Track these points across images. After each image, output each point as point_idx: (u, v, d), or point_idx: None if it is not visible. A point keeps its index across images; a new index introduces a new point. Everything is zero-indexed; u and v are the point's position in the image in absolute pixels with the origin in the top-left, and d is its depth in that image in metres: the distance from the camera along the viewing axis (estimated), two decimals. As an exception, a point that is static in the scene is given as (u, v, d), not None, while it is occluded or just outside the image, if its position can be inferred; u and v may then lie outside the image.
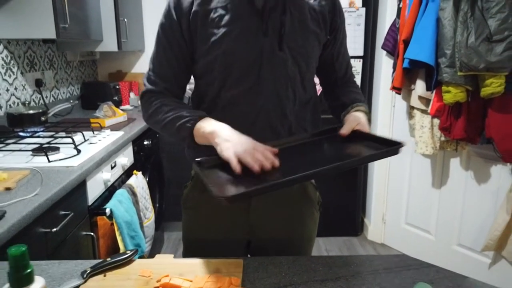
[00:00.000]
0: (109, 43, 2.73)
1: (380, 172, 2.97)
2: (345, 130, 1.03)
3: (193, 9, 1.00)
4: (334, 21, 1.10)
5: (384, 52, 2.74)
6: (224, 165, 0.89)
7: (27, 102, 2.24)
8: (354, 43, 2.81)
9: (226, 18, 0.99)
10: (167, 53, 1.06)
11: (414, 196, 2.75)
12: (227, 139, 0.92)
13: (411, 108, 2.53)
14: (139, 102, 3.21)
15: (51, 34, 2.01)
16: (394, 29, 2.58)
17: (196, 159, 0.96)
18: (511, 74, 1.90)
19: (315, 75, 1.20)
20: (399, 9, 2.50)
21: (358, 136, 1.02)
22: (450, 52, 2.00)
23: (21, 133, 1.94)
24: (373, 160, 1.07)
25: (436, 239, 2.64)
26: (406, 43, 2.27)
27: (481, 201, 2.34)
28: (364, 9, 2.78)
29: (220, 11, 0.99)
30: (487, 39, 1.89)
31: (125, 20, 2.82)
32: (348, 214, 3.13)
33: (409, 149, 2.68)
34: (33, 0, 1.97)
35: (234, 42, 0.99)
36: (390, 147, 0.93)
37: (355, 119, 1.04)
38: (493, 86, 1.91)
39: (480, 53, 1.89)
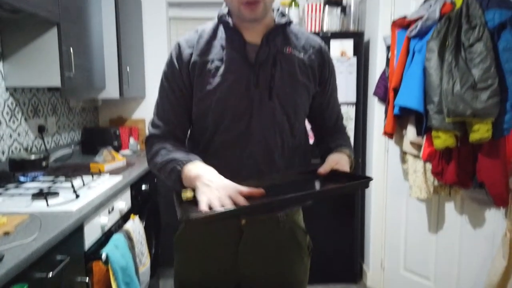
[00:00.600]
0: (111, 90, 2.83)
1: (376, 216, 2.98)
2: (322, 168, 1.09)
3: (192, 59, 1.10)
4: (323, 73, 1.18)
5: (376, 98, 2.84)
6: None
7: (29, 147, 2.30)
8: (347, 90, 2.92)
9: (221, 69, 1.07)
10: (170, 98, 1.15)
11: (412, 241, 2.75)
12: (207, 184, 0.96)
13: (403, 153, 2.59)
14: (139, 147, 3.28)
15: (56, 82, 2.11)
16: (384, 77, 2.70)
17: (176, 191, 1.02)
18: (497, 121, 1.98)
19: (308, 123, 1.29)
20: (387, 59, 2.63)
21: (337, 175, 1.07)
22: (438, 99, 2.08)
23: (22, 178, 1.98)
24: (342, 192, 1.13)
25: (435, 285, 2.60)
26: (396, 90, 2.36)
27: (477, 245, 2.34)
28: (355, 58, 2.92)
29: (216, 63, 1.08)
30: (472, 87, 1.98)
31: (128, 68, 2.95)
32: (346, 259, 3.10)
33: (404, 193, 2.71)
34: (41, 50, 2.08)
35: (227, 92, 1.07)
36: (358, 180, 1.02)
37: (333, 159, 1.11)
38: (481, 131, 1.98)
39: (466, 100, 1.97)
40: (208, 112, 1.10)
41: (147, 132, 3.78)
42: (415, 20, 2.33)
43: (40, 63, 2.10)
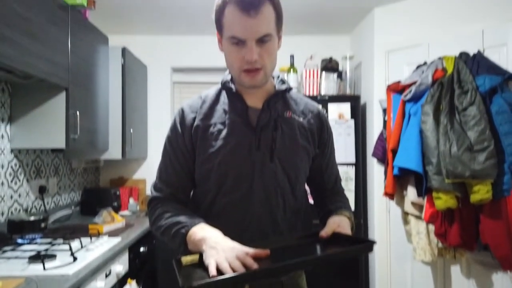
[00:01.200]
0: (114, 151, 2.87)
1: (381, 280, 2.88)
2: (324, 232, 1.08)
3: (195, 123, 1.14)
4: (322, 137, 1.23)
5: (375, 159, 2.87)
6: (203, 265, 0.94)
7: (28, 208, 2.29)
8: (346, 151, 2.97)
9: (224, 132, 1.11)
10: (173, 162, 1.17)
11: (419, 307, 2.63)
12: (213, 246, 0.95)
13: (405, 213, 2.57)
14: (138, 207, 3.26)
15: (60, 144, 2.15)
16: (382, 138, 2.75)
17: (176, 257, 0.99)
18: (496, 182, 1.99)
19: (307, 185, 1.30)
20: (384, 122, 2.71)
21: (339, 238, 1.06)
22: (436, 160, 2.11)
23: (19, 240, 1.95)
24: (345, 256, 1.08)
25: None
26: (394, 151, 2.41)
27: (488, 311, 2.25)
28: (353, 120, 3.00)
29: (219, 126, 1.12)
30: (469, 149, 2.02)
31: (131, 129, 3.01)
32: (351, 327, 2.95)
33: (408, 256, 2.65)
34: (48, 113, 2.15)
35: (229, 155, 1.09)
36: (362, 244, 1.01)
37: (335, 222, 1.10)
38: (481, 193, 1.99)
39: (464, 162, 2.00)
40: (210, 174, 1.12)
41: (147, 193, 3.74)
42: (409, 85, 2.43)
43: (46, 126, 2.16)
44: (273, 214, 1.11)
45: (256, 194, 1.10)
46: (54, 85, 2.08)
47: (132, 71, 3.12)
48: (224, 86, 1.17)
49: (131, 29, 3.43)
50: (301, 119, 1.18)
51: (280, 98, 1.18)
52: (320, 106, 1.29)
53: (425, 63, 2.50)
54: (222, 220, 1.10)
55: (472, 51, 2.30)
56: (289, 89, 1.20)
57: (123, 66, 2.91)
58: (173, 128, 1.19)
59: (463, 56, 2.30)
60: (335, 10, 3.06)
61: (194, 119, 1.14)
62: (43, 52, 1.90)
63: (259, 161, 1.10)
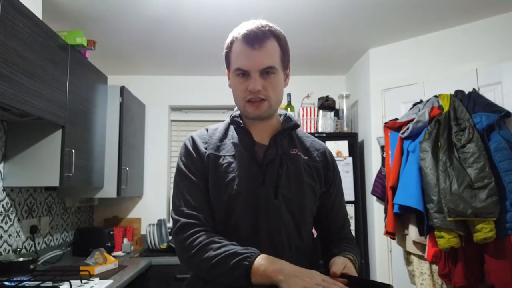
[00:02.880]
0: (109, 190, 2.83)
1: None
2: (335, 269, 1.00)
3: (207, 152, 1.13)
4: (328, 175, 1.20)
5: (375, 198, 2.83)
6: None
7: (18, 249, 2.21)
8: (345, 189, 2.89)
9: (233, 165, 1.10)
10: (196, 185, 1.09)
11: None
12: (295, 275, 0.93)
13: (407, 253, 2.50)
14: (132, 248, 3.16)
15: (54, 182, 2.11)
16: (381, 176, 2.73)
17: None
18: (499, 220, 1.95)
19: (314, 229, 1.25)
20: (383, 159, 2.69)
21: (351, 283, 0.98)
22: (437, 198, 2.08)
23: (6, 283, 1.86)
24: None
25: None
26: (394, 189, 2.37)
27: None
28: (351, 158, 2.98)
29: (228, 159, 1.11)
30: (469, 186, 2.00)
31: (127, 168, 2.98)
32: None
33: (411, 298, 2.55)
34: (43, 151, 2.13)
35: (237, 189, 1.07)
36: None
37: (342, 262, 1.05)
38: (484, 231, 1.94)
39: (465, 199, 1.97)
40: (218, 207, 1.09)
41: (142, 232, 3.66)
42: (406, 122, 2.44)
43: (41, 163, 2.13)
44: (278, 253, 1.04)
45: (260, 231, 1.07)
46: (50, 123, 2.07)
47: (130, 109, 3.13)
48: (233, 120, 1.19)
49: (130, 69, 3.49)
50: (306, 157, 1.18)
51: (287, 135, 1.18)
52: (325, 145, 1.27)
53: (421, 101, 2.53)
54: None
55: (467, 90, 2.33)
56: (295, 126, 1.20)
57: (121, 105, 2.93)
58: (187, 154, 1.13)
59: (459, 94, 2.33)
60: (330, 52, 3.14)
61: (206, 148, 1.14)
62: (41, 90, 1.90)
63: (264, 197, 1.08)
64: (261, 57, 1.05)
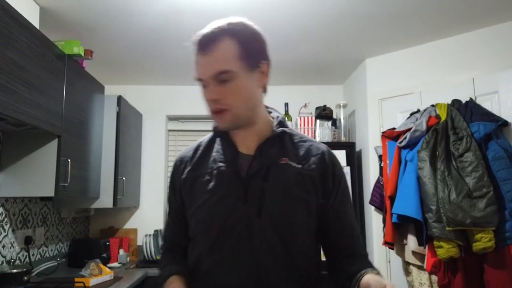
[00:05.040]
0: (105, 200, 2.80)
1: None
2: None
3: (183, 176, 1.07)
4: (325, 184, 1.03)
5: (373, 207, 2.82)
6: None
7: (12, 260, 2.18)
8: (343, 199, 2.91)
9: (211, 184, 1.00)
10: (170, 217, 1.15)
11: None
12: None
13: (406, 263, 2.47)
14: (128, 259, 3.14)
15: (50, 192, 2.09)
16: (379, 185, 2.71)
17: None
18: (498, 229, 1.93)
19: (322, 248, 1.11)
20: (381, 168, 2.68)
21: None
22: (435, 207, 2.07)
23: (-2, 295, 1.83)
24: None
25: None
26: (392, 199, 2.36)
27: None
28: (348, 168, 2.97)
29: (206, 177, 1.02)
30: (468, 195, 1.99)
31: (124, 178, 2.96)
32: None
33: (411, 309, 2.52)
34: (39, 161, 2.11)
35: (213, 209, 0.99)
36: None
37: (379, 283, 0.86)
38: (484, 241, 1.93)
39: (464, 209, 1.96)
40: (195, 231, 1.03)
41: (139, 243, 3.63)
42: (404, 132, 2.44)
43: (36, 174, 2.10)
44: (261, 280, 0.95)
45: (242, 256, 0.95)
46: (46, 132, 2.06)
47: (127, 119, 3.12)
48: (214, 130, 1.08)
49: (128, 78, 3.49)
50: (299, 166, 1.01)
51: (277, 142, 1.03)
52: (326, 148, 1.09)
53: (418, 111, 2.53)
54: (208, 282, 0.99)
55: (463, 99, 2.34)
56: (287, 131, 1.06)
57: (118, 114, 2.92)
58: (170, 182, 1.14)
59: (456, 103, 2.33)
60: (328, 62, 3.15)
61: (183, 171, 1.07)
62: (37, 100, 1.89)
63: (245, 217, 0.96)
64: (211, 63, 0.93)
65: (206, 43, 0.94)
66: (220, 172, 1.01)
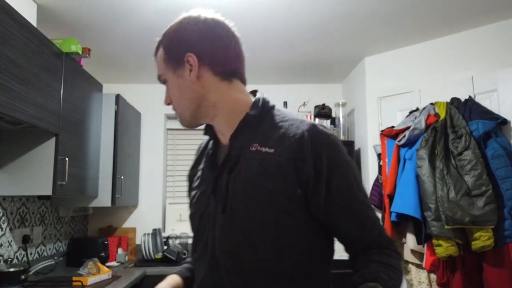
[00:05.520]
0: (103, 199, 2.79)
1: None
2: None
3: (188, 174, 1.08)
4: (302, 170, 0.83)
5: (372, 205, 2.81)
6: None
7: (9, 259, 2.17)
8: (342, 198, 2.90)
9: (198, 180, 1.00)
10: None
11: None
12: None
13: (405, 262, 2.47)
14: (127, 258, 3.13)
15: (47, 191, 2.08)
16: (377, 184, 2.71)
17: None
18: (497, 228, 1.93)
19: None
20: (379, 167, 2.68)
21: None
22: (434, 206, 2.06)
23: (-5, 294, 1.82)
24: None
25: None
26: (391, 197, 2.35)
27: None
28: (348, 166, 2.96)
29: (199, 173, 1.02)
30: (467, 193, 1.98)
31: (122, 177, 2.95)
32: None
33: (410, 308, 2.52)
34: (36, 160, 2.10)
35: (195, 205, 0.99)
36: None
37: None
38: (482, 239, 1.92)
39: (463, 207, 1.95)
40: (192, 229, 1.03)
41: (137, 242, 3.60)
42: (403, 130, 2.43)
43: (34, 172, 2.09)
44: (220, 278, 0.87)
45: (208, 255, 0.90)
46: (43, 131, 2.05)
47: (126, 117, 3.11)
48: (204, 128, 1.02)
49: (126, 77, 3.48)
50: (271, 150, 0.86)
51: (250, 127, 0.90)
52: (311, 125, 0.88)
53: (417, 109, 2.52)
54: (196, 282, 0.98)
55: (462, 97, 2.33)
56: (263, 112, 0.92)
57: (116, 113, 2.91)
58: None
59: (455, 101, 2.33)
60: (327, 60, 3.14)
61: (192, 167, 1.09)
62: (35, 98, 1.88)
63: (213, 213, 0.90)
64: (157, 69, 1.02)
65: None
66: (205, 167, 1.00)
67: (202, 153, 1.05)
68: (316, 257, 0.89)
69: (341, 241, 0.92)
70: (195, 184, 1.01)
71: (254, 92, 1.00)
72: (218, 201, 0.89)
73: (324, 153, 0.84)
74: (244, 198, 0.86)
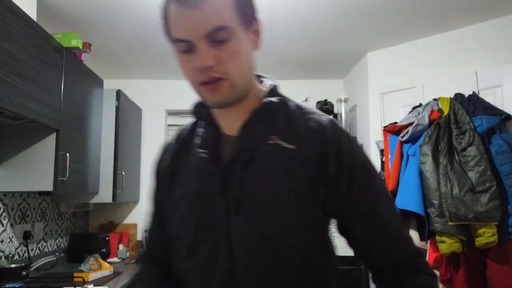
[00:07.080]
0: (104, 195, 2.78)
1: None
2: None
3: (165, 168, 0.91)
4: (326, 168, 0.77)
5: (374, 202, 2.80)
6: None
7: (11, 255, 2.16)
8: (344, 194, 2.89)
9: (190, 175, 0.84)
10: (151, 218, 0.99)
11: None
12: None
13: (408, 259, 2.46)
14: (128, 254, 3.12)
15: (48, 187, 2.07)
16: (380, 180, 2.69)
17: None
18: (501, 224, 1.92)
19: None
20: (382, 163, 2.66)
21: None
22: (438, 202, 2.05)
23: (-4, 290, 1.82)
24: None
25: None
26: (394, 193, 2.34)
27: None
28: (350, 162, 2.95)
29: (186, 167, 0.86)
30: (471, 190, 1.97)
31: (123, 172, 2.94)
32: None
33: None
34: (37, 155, 2.08)
35: (190, 204, 0.82)
36: None
37: None
38: (486, 236, 1.91)
39: (466, 203, 1.94)
40: (175, 231, 0.86)
41: (138, 238, 3.60)
42: (406, 126, 2.42)
43: (35, 168, 2.08)
44: None
45: (218, 262, 0.77)
46: (44, 126, 2.03)
47: (126, 113, 3.09)
48: (194, 111, 0.88)
49: (127, 72, 3.46)
50: (292, 146, 0.77)
51: (265, 116, 0.81)
52: (331, 121, 0.82)
53: (420, 105, 2.50)
54: None
55: (466, 93, 2.31)
56: (280, 102, 0.82)
57: (117, 108, 2.89)
58: (153, 177, 0.97)
59: (458, 97, 2.31)
60: (329, 56, 3.12)
61: (166, 162, 0.92)
62: (35, 93, 1.87)
63: (223, 214, 0.77)
64: (203, 17, 0.70)
65: None
66: (200, 160, 0.83)
67: (186, 142, 0.90)
68: (331, 265, 0.83)
69: (362, 256, 0.83)
70: (181, 179, 0.86)
71: (257, 77, 0.87)
72: (229, 200, 0.77)
73: (346, 151, 0.79)
74: (265, 197, 0.76)
